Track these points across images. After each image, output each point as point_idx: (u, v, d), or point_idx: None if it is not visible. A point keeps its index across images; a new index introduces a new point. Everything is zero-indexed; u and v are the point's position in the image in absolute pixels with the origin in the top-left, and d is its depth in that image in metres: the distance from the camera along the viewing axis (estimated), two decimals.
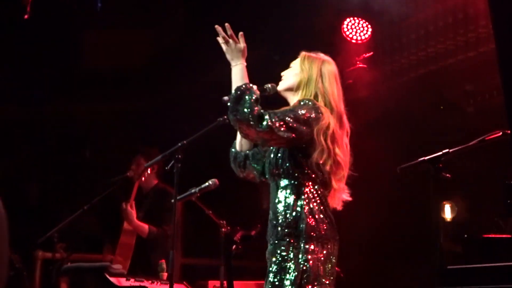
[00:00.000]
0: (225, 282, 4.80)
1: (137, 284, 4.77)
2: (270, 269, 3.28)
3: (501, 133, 3.67)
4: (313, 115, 3.28)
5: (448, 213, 6.07)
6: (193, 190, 4.21)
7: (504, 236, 3.89)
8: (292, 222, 3.26)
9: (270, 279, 3.25)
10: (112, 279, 4.75)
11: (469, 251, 3.85)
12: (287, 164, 3.34)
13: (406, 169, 3.85)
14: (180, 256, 5.87)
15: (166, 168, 3.56)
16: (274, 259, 3.27)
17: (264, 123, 3.13)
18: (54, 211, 7.68)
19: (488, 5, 4.77)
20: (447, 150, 3.67)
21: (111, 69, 8.97)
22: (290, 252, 3.24)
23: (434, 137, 6.38)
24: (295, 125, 3.21)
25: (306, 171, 3.32)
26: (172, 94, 8.76)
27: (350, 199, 3.46)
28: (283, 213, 3.30)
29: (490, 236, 3.90)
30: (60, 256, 5.81)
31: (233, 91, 3.24)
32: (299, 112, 3.26)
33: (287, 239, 3.25)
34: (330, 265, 3.28)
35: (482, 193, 5.75)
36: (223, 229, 4.90)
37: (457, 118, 6.30)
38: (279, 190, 3.36)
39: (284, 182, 3.36)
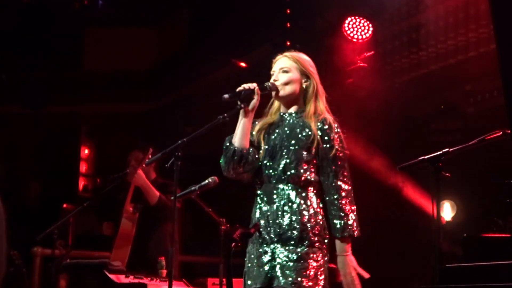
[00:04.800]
0: (224, 279, 4.81)
1: (136, 281, 4.77)
2: (306, 273, 3.30)
3: (501, 132, 3.68)
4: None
5: (447, 212, 6.07)
6: (192, 188, 4.21)
7: (503, 235, 3.90)
8: (321, 230, 3.38)
9: (305, 283, 3.29)
10: (111, 276, 4.75)
11: (468, 250, 3.85)
12: (308, 173, 3.41)
13: (406, 168, 3.85)
14: (179, 253, 5.86)
15: (166, 165, 3.56)
16: (305, 263, 3.32)
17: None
18: (53, 208, 7.68)
19: (489, 5, 4.77)
20: (447, 149, 3.68)
21: (112, 70, 8.98)
22: (321, 257, 3.35)
23: (434, 136, 6.40)
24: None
25: (318, 180, 3.45)
26: (174, 95, 8.77)
27: None
28: (312, 220, 3.37)
29: (489, 235, 3.90)
30: (60, 253, 5.81)
31: None
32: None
33: (318, 245, 3.35)
34: None
35: (482, 192, 5.76)
36: (222, 227, 4.91)
37: (457, 117, 6.31)
38: (303, 198, 3.40)
39: (306, 190, 3.41)
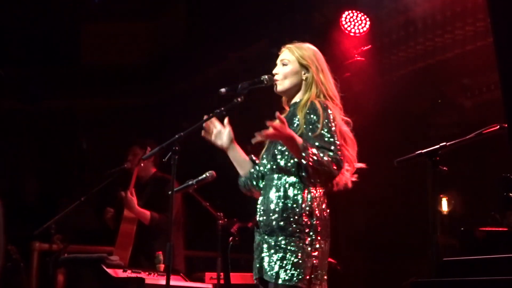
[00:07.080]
0: (222, 274, 4.82)
1: (134, 275, 4.78)
2: (281, 264, 3.28)
3: (498, 126, 3.68)
4: (334, 121, 3.38)
5: (444, 206, 6.08)
6: (190, 182, 4.22)
7: (500, 229, 3.90)
8: (302, 218, 3.31)
9: (282, 275, 3.27)
10: (109, 270, 4.76)
11: (465, 244, 3.86)
12: (297, 162, 3.35)
13: (403, 162, 3.86)
14: (183, 248, 5.86)
15: (164, 160, 3.57)
16: (282, 254, 3.29)
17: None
18: (51, 203, 7.68)
19: None
20: (444, 143, 3.68)
21: (109, 64, 8.97)
22: (301, 247, 3.28)
23: (432, 131, 6.40)
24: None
25: None
26: (171, 90, 8.77)
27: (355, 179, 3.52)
28: (294, 209, 3.33)
29: (486, 229, 3.91)
30: (57, 247, 5.81)
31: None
32: (332, 126, 3.36)
33: (297, 235, 3.29)
34: (326, 261, 3.39)
35: (479, 186, 5.77)
36: (220, 221, 4.91)
37: (455, 112, 6.31)
38: (287, 186, 3.38)
39: (292, 179, 3.39)
